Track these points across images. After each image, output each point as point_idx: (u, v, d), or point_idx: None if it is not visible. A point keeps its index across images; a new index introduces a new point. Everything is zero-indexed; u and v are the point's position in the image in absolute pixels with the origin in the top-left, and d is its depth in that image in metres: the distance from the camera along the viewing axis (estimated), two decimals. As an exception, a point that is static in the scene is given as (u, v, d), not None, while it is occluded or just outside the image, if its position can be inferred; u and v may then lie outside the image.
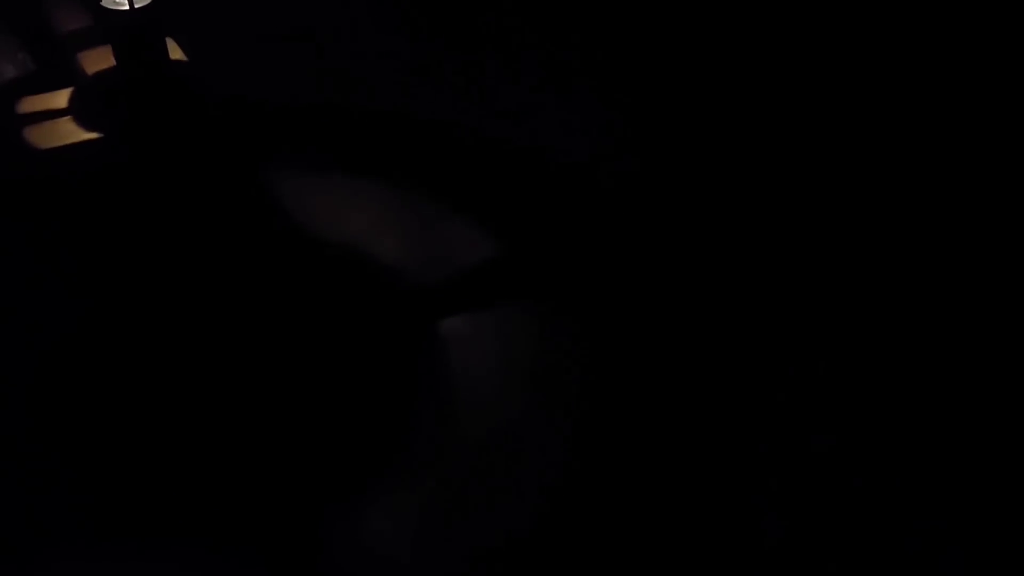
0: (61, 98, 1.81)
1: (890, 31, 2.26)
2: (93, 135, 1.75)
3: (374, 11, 2.47)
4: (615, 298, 1.99)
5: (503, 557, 1.59)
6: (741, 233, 2.09)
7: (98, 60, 1.87)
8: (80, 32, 1.94)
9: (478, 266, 2.07)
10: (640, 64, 2.39)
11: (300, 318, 1.90)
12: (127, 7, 1.73)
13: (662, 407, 1.80)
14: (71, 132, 1.76)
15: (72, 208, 1.87)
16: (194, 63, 1.95)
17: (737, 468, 1.72)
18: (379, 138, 2.31)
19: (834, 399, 1.81)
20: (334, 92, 2.33)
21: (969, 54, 2.19)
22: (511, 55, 2.40)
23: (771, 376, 1.84)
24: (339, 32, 2.43)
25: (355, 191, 2.19)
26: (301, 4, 2.44)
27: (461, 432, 1.74)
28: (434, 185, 2.20)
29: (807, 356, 1.88)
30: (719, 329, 1.94)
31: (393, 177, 2.21)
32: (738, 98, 2.30)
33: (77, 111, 1.79)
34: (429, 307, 1.97)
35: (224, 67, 2.24)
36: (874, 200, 2.13)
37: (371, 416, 1.75)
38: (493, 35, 2.44)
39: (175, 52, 1.94)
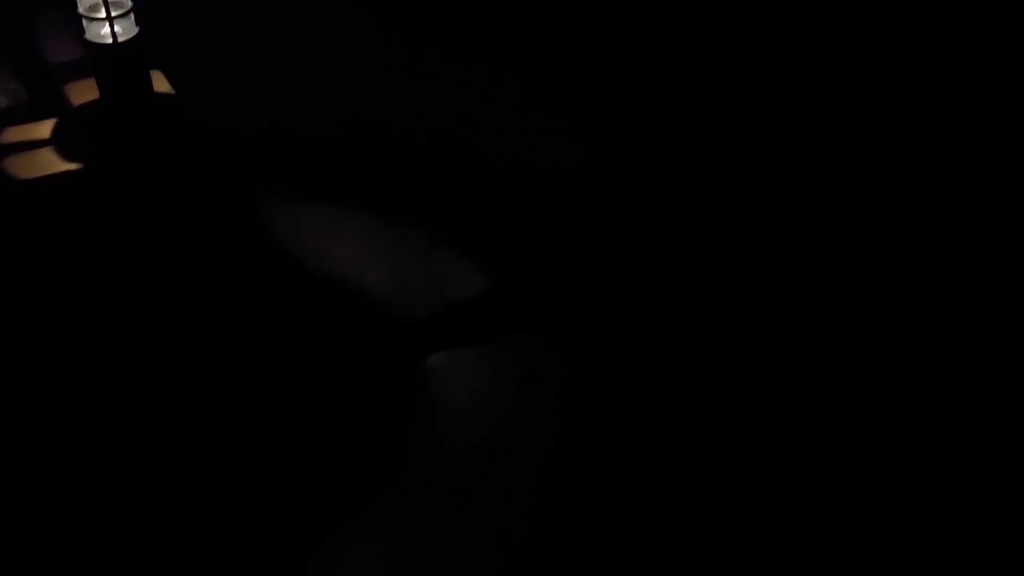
0: (44, 128, 1.84)
1: (887, 48, 2.25)
2: (73, 166, 1.77)
3: (363, 33, 2.48)
4: (603, 328, 1.97)
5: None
6: (731, 256, 2.07)
7: (84, 92, 1.89)
8: (70, 63, 1.98)
9: (467, 299, 2.06)
10: (632, 83, 2.39)
11: (288, 351, 1.89)
12: (110, 41, 1.76)
13: (647, 437, 1.78)
14: (52, 162, 1.78)
15: (52, 236, 1.88)
16: (182, 95, 1.98)
17: (717, 506, 1.70)
18: (368, 167, 2.31)
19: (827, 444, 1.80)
20: (327, 120, 2.35)
21: (969, 55, 2.17)
22: (503, 71, 2.41)
23: (761, 410, 1.82)
24: (332, 61, 2.44)
25: (344, 222, 2.19)
26: (292, 32, 2.45)
27: (446, 463, 1.73)
28: (424, 215, 2.20)
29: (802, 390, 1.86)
30: (708, 361, 1.91)
31: (383, 207, 2.21)
32: (730, 113, 2.30)
33: (59, 142, 1.82)
34: (418, 342, 1.95)
35: (215, 98, 2.26)
36: (868, 221, 2.10)
37: (357, 449, 1.74)
38: (485, 54, 2.45)
39: (161, 85, 1.96)
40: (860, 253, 2.05)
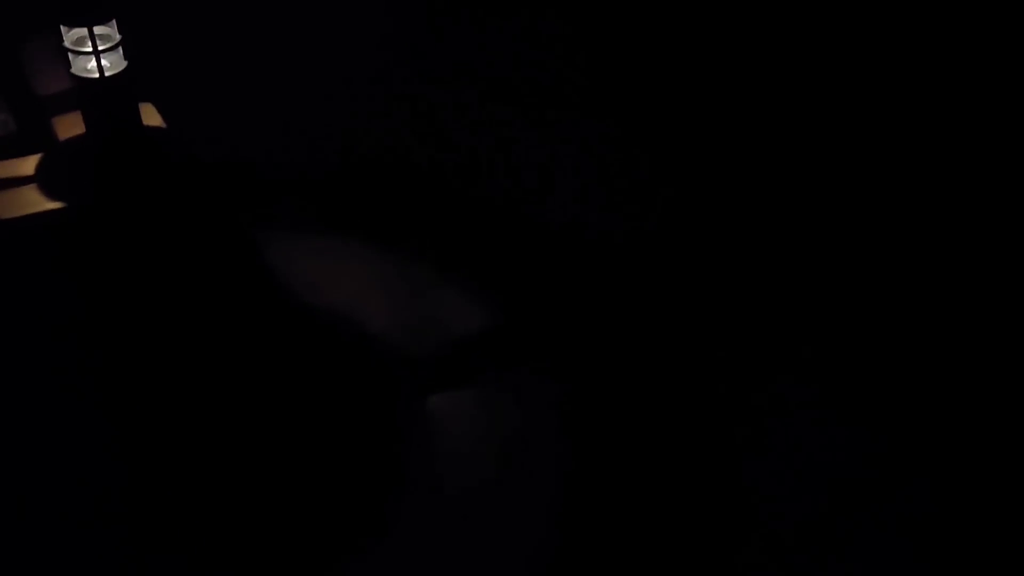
0: (28, 165, 1.77)
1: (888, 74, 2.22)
2: (56, 204, 1.71)
3: (368, 64, 2.44)
4: (604, 361, 1.94)
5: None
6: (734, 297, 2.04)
7: (71, 125, 1.83)
8: (59, 94, 1.91)
9: (467, 335, 2.02)
10: (635, 112, 2.36)
11: (285, 384, 1.85)
12: (97, 76, 1.69)
13: (651, 471, 1.76)
14: (35, 201, 1.71)
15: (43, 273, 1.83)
16: (176, 127, 1.92)
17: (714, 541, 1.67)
18: (369, 198, 2.26)
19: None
20: (327, 150, 2.30)
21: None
22: (519, 108, 2.37)
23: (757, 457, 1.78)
24: (334, 92, 2.40)
25: (344, 253, 2.15)
26: (293, 62, 2.41)
27: (447, 504, 1.70)
28: (425, 248, 2.16)
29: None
30: (709, 397, 1.88)
31: (383, 239, 2.17)
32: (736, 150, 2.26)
33: (43, 179, 1.75)
34: (417, 380, 1.91)
35: (212, 129, 2.21)
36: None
37: (355, 488, 1.72)
38: (498, 86, 2.41)
39: (153, 118, 1.89)
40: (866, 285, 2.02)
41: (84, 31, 1.66)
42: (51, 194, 1.72)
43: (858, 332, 1.95)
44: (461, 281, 2.10)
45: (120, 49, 1.72)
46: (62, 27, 1.68)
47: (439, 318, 2.04)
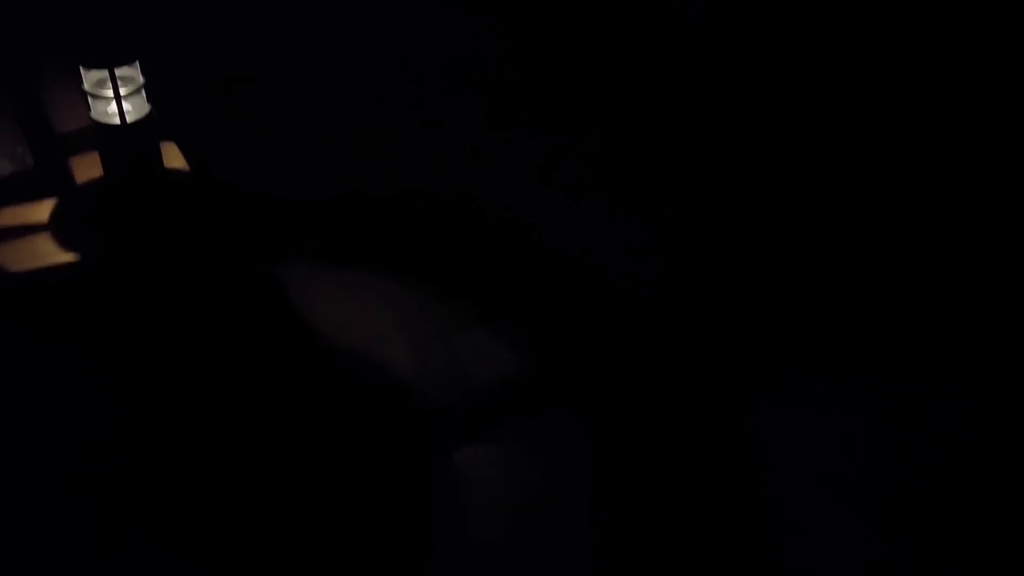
0: (42, 211, 1.66)
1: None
2: (69, 256, 1.59)
3: (396, 99, 2.35)
4: (633, 410, 1.85)
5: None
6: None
7: (89, 167, 1.72)
8: (77, 132, 1.80)
9: (494, 383, 1.93)
10: (661, 163, 2.28)
11: (306, 430, 1.75)
12: (118, 121, 1.57)
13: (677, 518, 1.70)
14: (47, 252, 1.60)
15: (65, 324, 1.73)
16: (197, 165, 1.81)
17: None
18: (397, 235, 2.17)
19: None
20: (350, 183, 2.21)
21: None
22: (535, 147, 2.28)
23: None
24: (359, 127, 2.31)
25: (367, 291, 2.06)
26: (318, 96, 2.31)
27: (474, 556, 1.63)
28: (451, 288, 2.06)
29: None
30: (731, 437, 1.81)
31: (409, 278, 2.08)
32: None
33: (57, 227, 1.64)
34: (442, 431, 1.81)
35: (235, 162, 2.11)
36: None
37: (379, 545, 1.63)
38: (523, 131, 2.32)
39: (175, 159, 1.78)
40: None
41: (105, 72, 1.54)
42: (65, 244, 1.61)
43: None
44: (487, 322, 2.02)
45: (143, 92, 1.60)
46: (81, 68, 1.56)
47: (465, 362, 1.95)
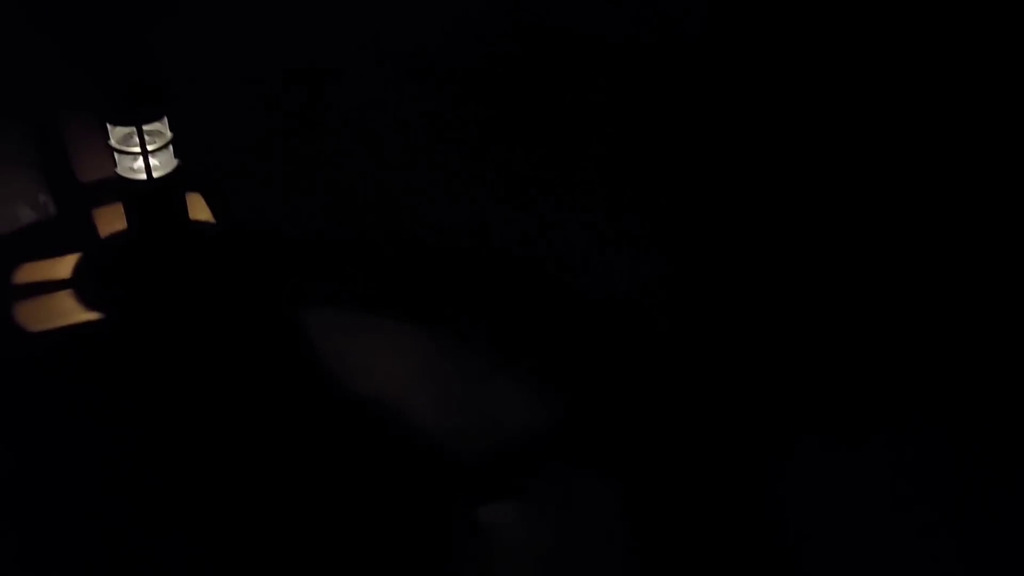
0: (64, 267, 1.62)
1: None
2: (92, 315, 1.55)
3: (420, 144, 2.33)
4: (658, 468, 1.82)
5: None
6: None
7: (112, 219, 1.67)
8: (102, 182, 1.76)
9: (520, 434, 1.89)
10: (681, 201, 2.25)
11: (332, 484, 1.72)
12: (144, 177, 1.53)
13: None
14: (69, 310, 1.55)
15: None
16: (223, 216, 1.77)
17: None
18: (420, 277, 2.13)
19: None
20: (375, 226, 2.18)
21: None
22: (558, 193, 2.24)
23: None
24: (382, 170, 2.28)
25: (392, 338, 2.02)
26: (342, 139, 2.28)
27: None
28: (476, 333, 2.02)
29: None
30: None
31: (432, 323, 2.04)
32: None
33: (78, 285, 1.60)
34: (467, 482, 1.78)
35: (259, 203, 2.07)
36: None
37: None
38: (546, 173, 2.29)
39: (201, 211, 1.74)
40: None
41: (132, 128, 1.50)
42: (87, 303, 1.57)
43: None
44: (512, 369, 1.97)
45: (171, 148, 1.56)
46: (108, 124, 1.52)
47: (490, 412, 1.90)
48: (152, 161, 1.53)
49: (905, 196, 2.09)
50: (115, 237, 1.66)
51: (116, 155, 1.54)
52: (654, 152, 2.30)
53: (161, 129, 1.54)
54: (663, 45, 2.24)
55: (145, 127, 1.51)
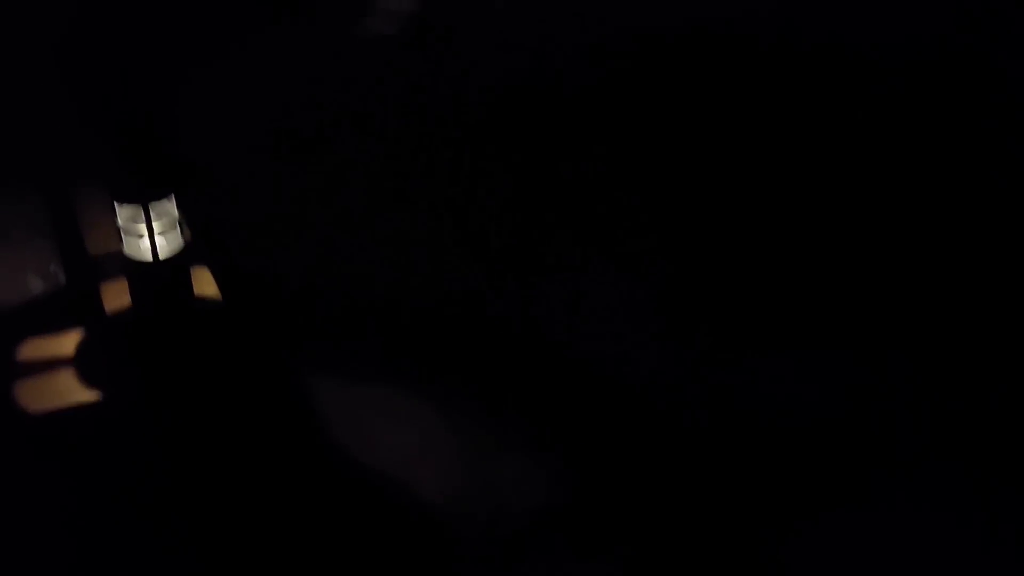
0: (67, 344, 1.60)
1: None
2: (93, 395, 1.53)
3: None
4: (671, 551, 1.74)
5: None
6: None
7: (119, 295, 1.66)
8: (111, 256, 1.75)
9: (528, 514, 1.83)
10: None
11: (332, 558, 1.66)
12: (150, 259, 1.52)
13: None
14: (70, 389, 1.53)
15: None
16: (229, 293, 1.75)
17: None
18: (429, 341, 2.11)
19: None
20: (383, 291, 2.16)
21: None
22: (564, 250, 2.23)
23: None
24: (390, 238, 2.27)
25: (397, 411, 1.99)
26: (350, 200, 2.28)
27: None
28: (484, 402, 1.97)
29: None
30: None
31: (437, 395, 2.01)
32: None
33: (80, 363, 1.58)
34: (472, 563, 1.71)
35: (258, 262, 2.07)
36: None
37: None
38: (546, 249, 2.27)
39: (208, 286, 1.73)
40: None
41: (139, 207, 1.49)
42: (87, 382, 1.55)
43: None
44: (522, 447, 1.92)
45: (178, 227, 1.54)
46: (115, 202, 1.51)
47: (496, 490, 1.85)
48: (158, 241, 1.51)
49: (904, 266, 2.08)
50: (119, 314, 1.65)
51: (123, 235, 1.53)
52: (653, 216, 2.29)
53: (168, 209, 1.53)
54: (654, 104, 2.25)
55: (152, 206, 1.49)
